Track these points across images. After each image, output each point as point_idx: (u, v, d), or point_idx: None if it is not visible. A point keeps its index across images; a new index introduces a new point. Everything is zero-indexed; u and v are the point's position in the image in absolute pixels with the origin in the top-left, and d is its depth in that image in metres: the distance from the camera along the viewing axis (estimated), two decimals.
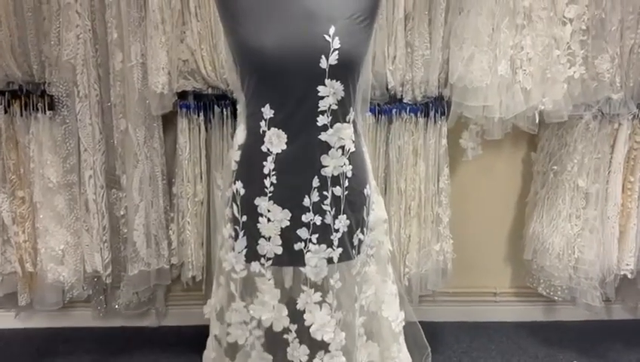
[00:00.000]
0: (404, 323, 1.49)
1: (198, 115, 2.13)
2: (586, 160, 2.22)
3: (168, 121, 2.20)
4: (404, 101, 2.13)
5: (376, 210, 1.44)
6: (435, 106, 2.14)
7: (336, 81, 1.27)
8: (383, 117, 2.13)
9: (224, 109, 2.11)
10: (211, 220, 2.22)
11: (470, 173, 2.40)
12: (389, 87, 2.12)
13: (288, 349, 1.35)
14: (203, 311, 1.49)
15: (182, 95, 2.14)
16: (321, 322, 1.32)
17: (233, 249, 1.36)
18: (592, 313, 2.36)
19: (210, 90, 2.13)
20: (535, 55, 2.05)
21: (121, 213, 2.19)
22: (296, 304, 1.35)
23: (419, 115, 2.14)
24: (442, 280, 2.23)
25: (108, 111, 2.12)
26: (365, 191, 1.39)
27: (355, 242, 1.38)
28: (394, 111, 2.13)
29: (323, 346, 1.33)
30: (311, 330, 1.33)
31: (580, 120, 2.19)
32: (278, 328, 1.34)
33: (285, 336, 1.34)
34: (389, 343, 1.44)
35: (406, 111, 2.13)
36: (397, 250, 2.16)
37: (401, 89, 2.13)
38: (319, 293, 1.34)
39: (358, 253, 1.39)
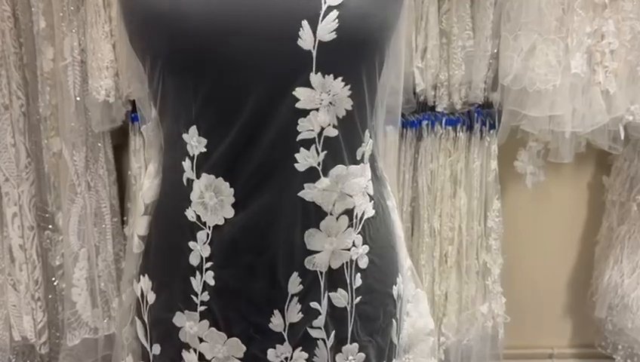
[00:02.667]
0: None
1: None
2: None
3: (120, 136, 1.74)
4: (438, 110, 1.69)
5: (414, 314, 0.85)
6: (480, 116, 1.68)
7: (335, 76, 0.69)
8: (409, 131, 1.68)
9: None
10: None
11: (521, 204, 1.95)
12: (418, 90, 1.66)
13: None
14: None
15: (136, 104, 1.63)
16: None
17: None
18: None
19: None
20: (621, 46, 1.59)
21: (57, 262, 1.73)
22: None
23: (459, 128, 1.69)
24: (491, 352, 1.77)
25: (37, 127, 1.65)
26: (394, 290, 0.81)
27: None
28: (424, 123, 1.68)
29: None
30: None
31: None
32: None
33: None
34: None
35: (441, 124, 1.68)
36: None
37: (433, 93, 1.69)
38: None
39: None
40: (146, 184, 0.79)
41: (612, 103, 1.57)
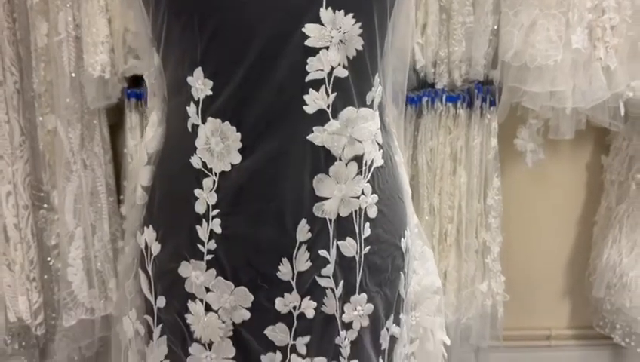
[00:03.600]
0: None
1: None
2: None
3: (116, 115, 1.70)
4: (438, 87, 1.65)
5: (421, 271, 0.84)
6: (481, 93, 1.64)
7: (345, 12, 0.66)
8: (408, 108, 1.64)
9: None
10: None
11: (520, 183, 1.92)
12: (418, 67, 1.63)
13: None
14: None
15: (132, 81, 1.63)
16: None
17: (144, 358, 0.77)
18: None
19: None
20: (622, 21, 1.55)
21: (53, 241, 1.69)
22: None
23: (459, 105, 1.65)
24: (491, 331, 1.74)
25: (31, 104, 1.61)
26: (403, 242, 0.79)
27: (384, 343, 0.78)
28: (424, 100, 1.65)
29: None
30: None
31: None
32: None
33: None
34: None
35: (441, 101, 1.64)
36: None
37: (433, 70, 1.65)
38: None
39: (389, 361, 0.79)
40: (149, 133, 0.77)
41: (612, 79, 1.54)
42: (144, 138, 0.78)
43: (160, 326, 0.75)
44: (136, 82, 1.62)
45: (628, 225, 1.81)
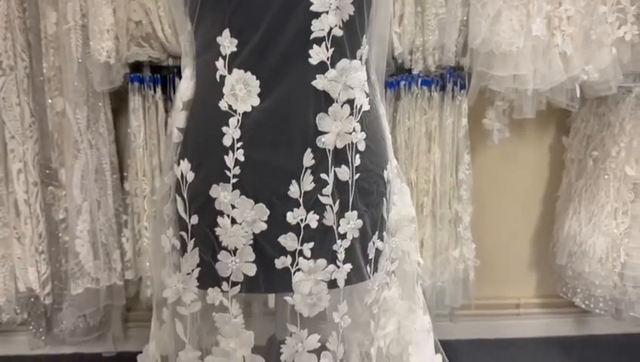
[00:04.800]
0: None
1: (155, 91, 1.71)
2: (635, 143, 1.87)
3: (118, 100, 1.80)
4: (415, 72, 1.77)
5: (399, 203, 1.01)
6: (452, 78, 1.78)
7: None
8: (388, 92, 1.75)
9: None
10: None
11: (486, 162, 2.06)
12: (396, 54, 1.76)
13: None
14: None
15: (135, 66, 1.74)
16: None
17: (179, 268, 0.93)
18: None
19: (170, 61, 1.72)
20: (576, 12, 1.70)
21: (61, 216, 1.79)
22: (280, 354, 0.92)
23: (433, 88, 1.78)
24: (463, 293, 1.86)
25: (40, 87, 1.71)
26: (385, 173, 0.97)
27: (371, 254, 0.95)
28: (402, 84, 1.77)
29: None
30: None
31: (629, 94, 1.85)
32: None
33: None
34: None
35: (417, 85, 1.77)
36: None
37: (410, 57, 1.77)
38: (316, 336, 0.91)
39: (375, 270, 0.96)
40: (183, 85, 0.92)
41: (569, 64, 1.68)
42: (178, 89, 0.94)
43: (193, 240, 0.91)
44: (138, 68, 1.73)
45: (586, 198, 1.95)
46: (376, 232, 0.96)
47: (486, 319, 2.21)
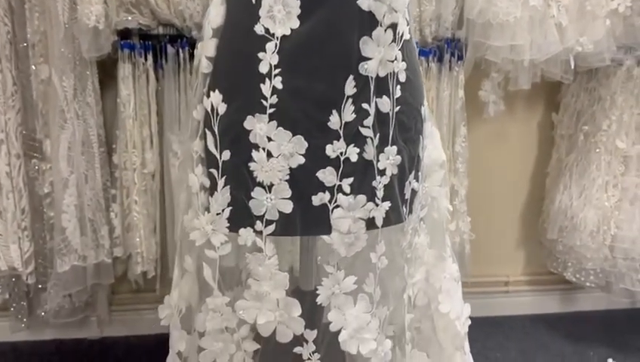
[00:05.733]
0: (469, 322, 1.04)
1: (146, 59, 1.65)
2: (626, 116, 1.90)
3: (106, 68, 1.72)
4: None
5: (430, 146, 0.98)
6: (449, 48, 1.77)
7: None
8: None
9: (180, 50, 1.62)
10: (166, 198, 1.76)
11: (476, 139, 2.03)
12: None
13: None
14: (159, 314, 0.99)
15: (124, 33, 1.66)
16: (356, 325, 0.86)
17: (207, 209, 0.87)
18: (631, 301, 2.04)
19: (160, 29, 1.66)
20: None
21: (45, 190, 1.71)
22: (316, 296, 0.88)
23: (430, 59, 1.76)
24: (460, 267, 1.82)
25: (24, 54, 1.63)
26: (422, 110, 0.94)
27: (407, 193, 0.92)
28: None
29: None
30: (340, 339, 0.86)
31: (620, 67, 1.87)
32: (284, 337, 0.88)
33: (297, 350, 0.88)
34: (448, 353, 0.98)
35: None
36: None
37: (407, 28, 1.72)
38: (352, 278, 0.88)
39: (410, 211, 0.92)
40: (212, 12, 0.87)
41: (564, 35, 1.69)
42: (207, 16, 0.88)
43: (224, 177, 0.86)
44: (126, 36, 1.66)
45: (577, 172, 1.97)
46: (413, 171, 0.93)
47: (474, 297, 2.11)
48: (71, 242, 1.68)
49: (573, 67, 1.76)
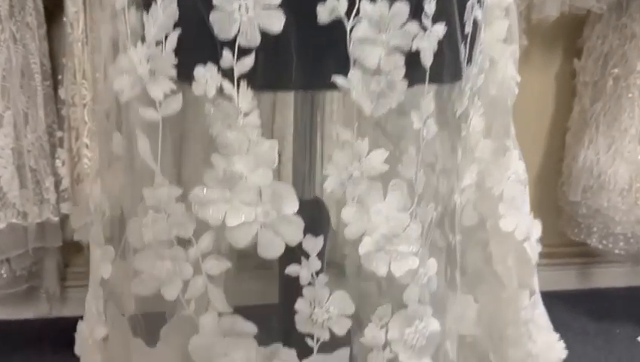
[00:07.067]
0: (540, 248, 0.77)
1: None
2: None
3: None
4: None
5: None
6: None
7: None
8: None
9: None
10: None
11: None
12: None
13: (300, 301, 0.58)
14: (71, 224, 0.69)
15: None
16: (386, 230, 0.55)
17: (142, 38, 0.57)
18: None
19: None
20: None
21: None
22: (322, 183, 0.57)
23: None
24: None
25: None
26: None
27: (468, 26, 0.61)
28: None
29: (393, 291, 0.58)
30: (361, 252, 0.56)
31: None
32: (270, 250, 0.55)
33: (291, 271, 0.57)
34: (510, 292, 0.70)
35: None
36: None
37: None
38: (382, 152, 0.56)
39: (469, 59, 0.62)
40: None
41: None
42: None
43: None
44: None
45: (604, 122, 1.77)
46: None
47: None
48: (7, 195, 1.42)
49: None
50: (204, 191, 0.52)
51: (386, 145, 0.54)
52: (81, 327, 0.70)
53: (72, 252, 1.68)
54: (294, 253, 0.54)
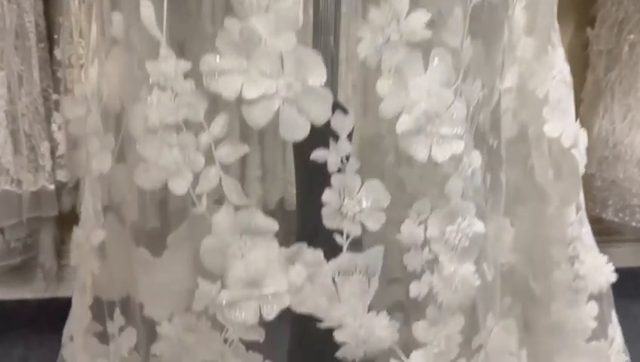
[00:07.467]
0: (586, 159, 0.70)
1: None
2: None
3: None
4: None
5: None
6: None
7: None
8: None
9: None
10: None
11: None
12: None
13: (328, 192, 0.50)
14: (65, 114, 0.61)
15: None
16: (427, 106, 0.47)
17: None
18: None
19: None
20: None
21: None
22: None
23: None
24: None
25: None
26: None
27: None
28: None
29: (434, 180, 0.51)
30: (398, 131, 0.46)
31: None
32: (294, 131, 0.46)
33: (317, 156, 0.49)
34: (553, 209, 0.63)
35: None
36: None
37: None
38: (424, 13, 0.46)
39: None
40: None
41: None
42: None
43: None
44: None
45: (620, 91, 1.71)
46: None
47: None
48: (0, 160, 1.35)
49: None
50: (217, 58, 0.45)
51: (428, 6, 0.46)
52: (77, 234, 0.63)
53: (69, 227, 1.60)
54: (321, 135, 0.47)
